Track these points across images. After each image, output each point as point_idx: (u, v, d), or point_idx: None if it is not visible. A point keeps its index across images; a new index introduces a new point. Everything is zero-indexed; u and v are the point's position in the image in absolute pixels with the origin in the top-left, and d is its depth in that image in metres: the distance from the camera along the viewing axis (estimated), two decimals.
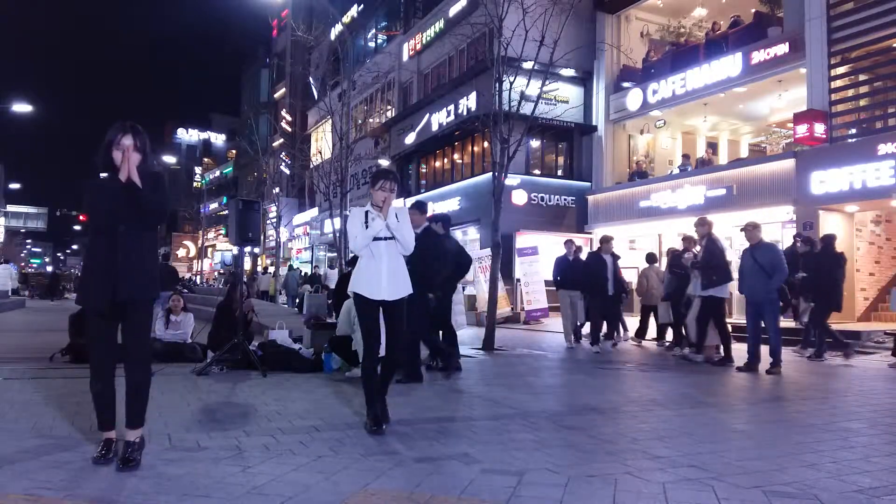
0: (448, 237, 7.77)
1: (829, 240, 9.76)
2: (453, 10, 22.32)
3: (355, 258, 4.58)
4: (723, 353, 8.54)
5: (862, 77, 14.04)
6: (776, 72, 15.35)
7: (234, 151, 55.44)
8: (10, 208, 66.47)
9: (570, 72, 18.85)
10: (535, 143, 20.10)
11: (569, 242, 11.36)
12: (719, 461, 3.53)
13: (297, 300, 20.64)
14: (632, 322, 12.31)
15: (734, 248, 14.83)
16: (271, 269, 29.38)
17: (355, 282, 4.36)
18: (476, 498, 2.89)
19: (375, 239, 4.27)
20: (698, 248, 9.44)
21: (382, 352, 4.44)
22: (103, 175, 3.48)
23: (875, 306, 14.14)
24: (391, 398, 4.51)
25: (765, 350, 7.90)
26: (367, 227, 4.27)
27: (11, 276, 27.64)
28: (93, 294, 3.39)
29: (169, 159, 62.07)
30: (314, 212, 32.04)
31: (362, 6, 30.61)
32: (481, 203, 17.90)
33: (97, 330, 3.43)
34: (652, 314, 11.37)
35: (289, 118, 39.04)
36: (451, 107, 21.15)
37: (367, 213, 4.35)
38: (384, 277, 4.27)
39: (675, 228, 17.59)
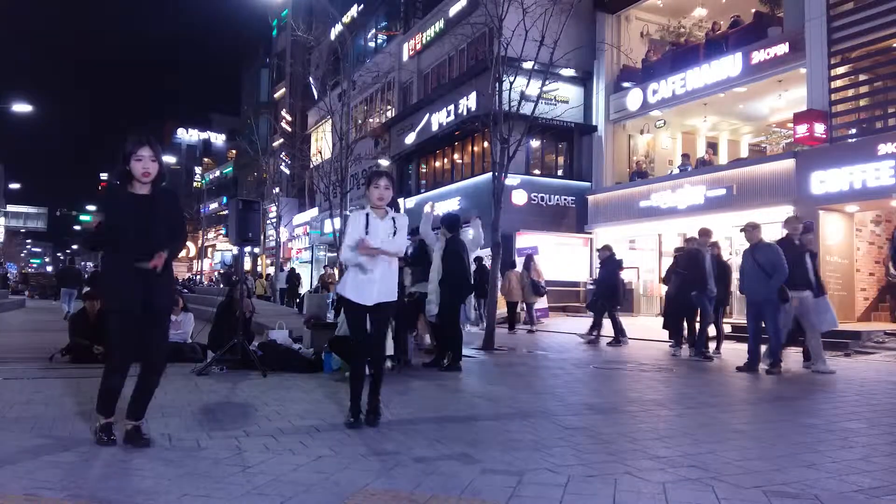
0: (456, 240, 7.74)
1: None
2: (453, 10, 22.32)
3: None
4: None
5: (862, 77, 14.04)
6: (776, 72, 15.35)
7: (234, 151, 55.41)
8: (10, 208, 66.48)
9: (570, 72, 18.84)
10: (535, 143, 20.10)
11: (793, 219, 8.35)
12: (719, 461, 3.53)
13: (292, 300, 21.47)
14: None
15: (734, 249, 14.86)
16: (270, 270, 29.46)
17: (346, 286, 4.37)
18: (476, 498, 2.88)
19: None
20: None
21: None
22: (116, 185, 3.72)
23: (875, 306, 14.14)
24: (392, 398, 4.50)
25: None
26: (367, 231, 4.25)
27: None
28: (128, 298, 3.55)
29: (169, 159, 62.06)
30: (314, 212, 32.04)
31: (362, 6, 30.61)
32: (481, 203, 17.89)
33: (126, 333, 3.58)
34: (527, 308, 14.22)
35: (289, 118, 39.01)
36: (451, 107, 21.16)
37: (367, 215, 4.33)
38: (376, 284, 4.29)
39: (675, 228, 17.60)
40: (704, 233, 9.63)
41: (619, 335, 11.05)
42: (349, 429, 4.15)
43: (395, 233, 4.33)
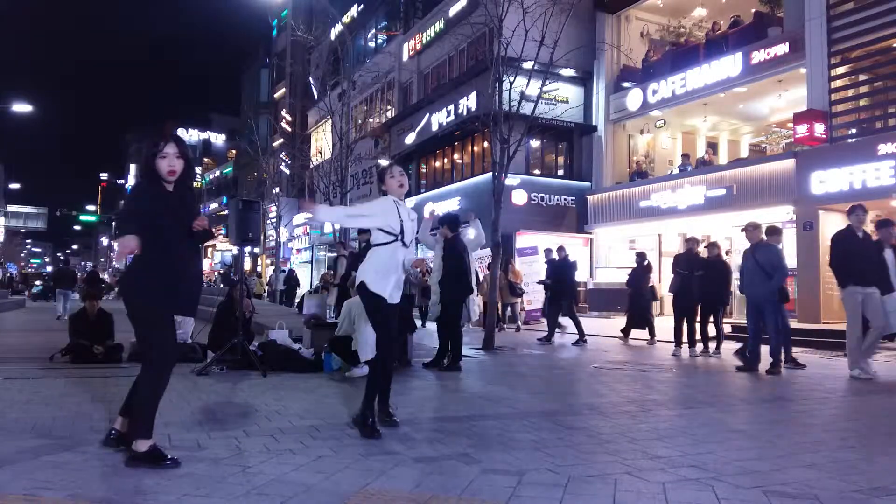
0: (457, 240, 7.72)
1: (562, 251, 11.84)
2: (453, 10, 22.32)
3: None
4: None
5: (862, 77, 14.04)
6: (776, 72, 15.35)
7: (234, 151, 55.42)
8: (10, 208, 66.49)
9: (570, 72, 18.85)
10: (535, 143, 20.11)
11: (858, 209, 7.39)
12: (719, 461, 3.53)
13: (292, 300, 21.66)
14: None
15: (734, 249, 14.86)
16: (270, 270, 29.47)
17: (372, 281, 4.21)
18: (476, 498, 2.88)
19: (404, 245, 4.23)
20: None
21: (371, 354, 4.42)
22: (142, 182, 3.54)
23: None
24: (392, 398, 4.50)
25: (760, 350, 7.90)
26: (402, 226, 4.19)
27: None
28: (173, 296, 3.43)
29: None
30: None
31: (362, 6, 30.61)
32: (481, 203, 17.88)
33: (167, 332, 3.47)
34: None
35: (289, 118, 38.99)
36: (451, 107, 21.16)
37: (395, 200, 4.28)
38: (393, 282, 4.21)
39: (675, 228, 17.61)
40: (773, 230, 8.68)
41: (552, 334, 11.45)
42: (371, 439, 3.91)
43: (417, 221, 4.38)
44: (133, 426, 3.36)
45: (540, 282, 13.36)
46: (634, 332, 11.81)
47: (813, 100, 14.06)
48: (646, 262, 12.01)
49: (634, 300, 11.81)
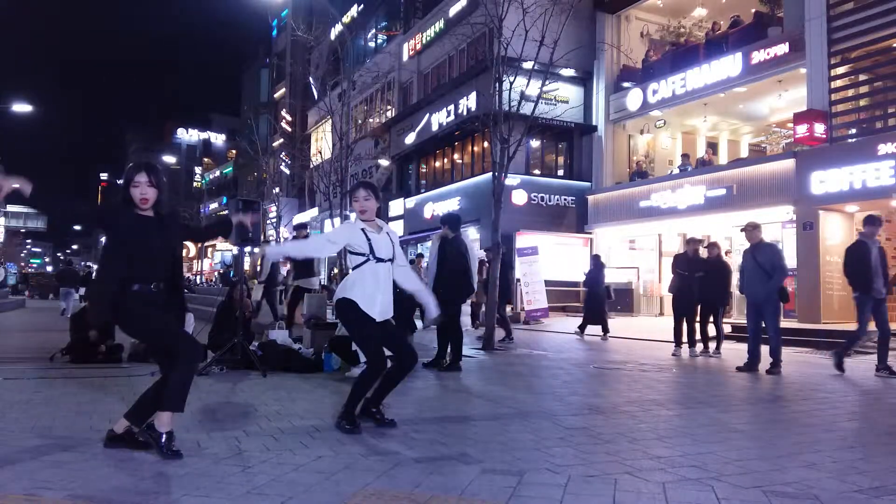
0: (458, 240, 7.71)
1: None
2: (453, 10, 22.33)
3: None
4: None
5: (862, 77, 14.03)
6: (776, 72, 15.35)
7: (234, 151, 55.42)
8: (10, 208, 66.45)
9: (570, 72, 18.84)
10: (535, 143, 20.11)
11: None
12: (719, 461, 3.53)
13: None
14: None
15: (734, 249, 14.86)
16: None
17: (353, 291, 4.15)
18: (476, 498, 2.89)
19: (379, 260, 4.14)
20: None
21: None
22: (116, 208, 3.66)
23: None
24: (392, 397, 4.50)
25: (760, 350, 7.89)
26: (370, 244, 4.12)
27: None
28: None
29: (169, 159, 62.07)
30: (314, 212, 32.03)
31: (362, 6, 30.61)
32: (481, 203, 17.91)
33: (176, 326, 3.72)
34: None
35: (289, 118, 39.01)
36: (451, 107, 21.16)
37: (364, 230, 4.17)
38: (379, 300, 4.13)
39: (675, 228, 17.61)
40: (871, 221, 7.73)
41: (510, 335, 11.53)
42: (349, 435, 4.00)
43: (393, 248, 4.24)
44: (166, 398, 3.45)
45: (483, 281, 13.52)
46: (590, 328, 12.56)
47: (813, 100, 14.05)
48: (600, 264, 13.14)
49: (590, 298, 12.79)
